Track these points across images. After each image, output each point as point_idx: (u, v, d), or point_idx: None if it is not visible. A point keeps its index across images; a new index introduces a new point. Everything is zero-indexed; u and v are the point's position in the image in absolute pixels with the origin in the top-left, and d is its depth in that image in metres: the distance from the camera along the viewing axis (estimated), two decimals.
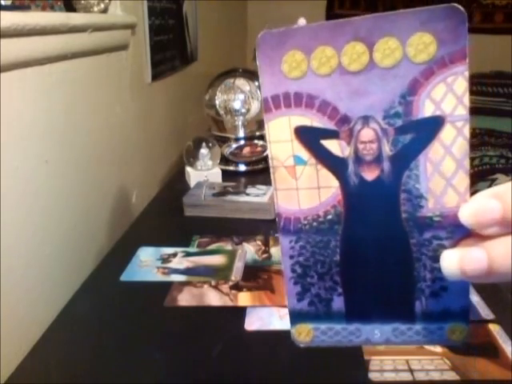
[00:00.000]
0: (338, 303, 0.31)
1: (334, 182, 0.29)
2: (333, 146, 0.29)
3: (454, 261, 0.25)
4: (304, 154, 0.29)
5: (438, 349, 0.61)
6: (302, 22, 1.20)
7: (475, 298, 0.71)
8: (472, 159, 2.16)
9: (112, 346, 0.64)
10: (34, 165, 0.69)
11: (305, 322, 0.32)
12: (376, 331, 0.31)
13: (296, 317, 0.32)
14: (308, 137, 0.29)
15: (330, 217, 0.30)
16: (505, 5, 2.72)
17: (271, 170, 0.30)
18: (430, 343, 0.31)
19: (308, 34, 0.27)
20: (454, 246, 0.28)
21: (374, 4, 2.79)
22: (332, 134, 0.29)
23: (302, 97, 0.28)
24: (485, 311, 0.68)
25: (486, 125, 2.47)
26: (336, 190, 0.29)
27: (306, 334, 0.32)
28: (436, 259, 0.28)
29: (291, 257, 0.31)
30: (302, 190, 0.30)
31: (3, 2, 0.65)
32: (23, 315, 0.67)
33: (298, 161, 0.29)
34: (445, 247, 0.28)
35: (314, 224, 0.30)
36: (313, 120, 0.29)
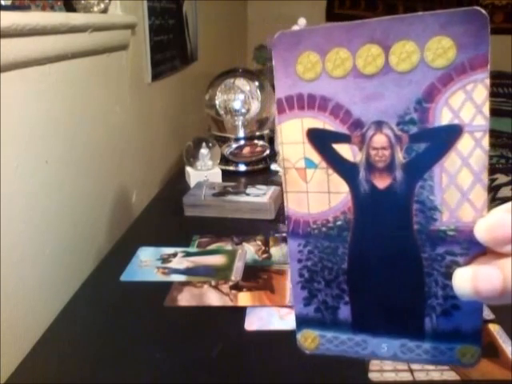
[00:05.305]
0: (345, 312, 0.30)
1: (345, 188, 0.28)
2: (344, 150, 0.28)
3: (467, 279, 0.24)
4: (315, 157, 0.28)
5: None
6: (301, 21, 1.20)
7: None
8: None
9: (112, 345, 0.64)
10: (34, 165, 0.69)
11: (311, 328, 0.31)
12: (383, 345, 0.30)
13: (302, 322, 0.31)
14: (319, 140, 0.28)
15: (339, 223, 0.29)
16: (505, 5, 2.72)
17: (282, 172, 0.29)
18: (440, 363, 0.30)
19: (322, 35, 0.26)
20: (468, 263, 0.26)
21: (374, 4, 2.78)
22: (344, 139, 0.28)
23: (316, 99, 0.28)
24: (485, 311, 0.68)
25: None
26: (346, 196, 0.28)
27: (311, 341, 0.31)
28: (448, 276, 0.27)
29: (299, 261, 0.30)
30: (312, 193, 0.29)
31: (3, 2, 0.65)
32: (23, 315, 0.67)
33: (309, 164, 0.28)
34: (458, 264, 0.27)
35: (323, 229, 0.29)
36: (325, 123, 0.28)
